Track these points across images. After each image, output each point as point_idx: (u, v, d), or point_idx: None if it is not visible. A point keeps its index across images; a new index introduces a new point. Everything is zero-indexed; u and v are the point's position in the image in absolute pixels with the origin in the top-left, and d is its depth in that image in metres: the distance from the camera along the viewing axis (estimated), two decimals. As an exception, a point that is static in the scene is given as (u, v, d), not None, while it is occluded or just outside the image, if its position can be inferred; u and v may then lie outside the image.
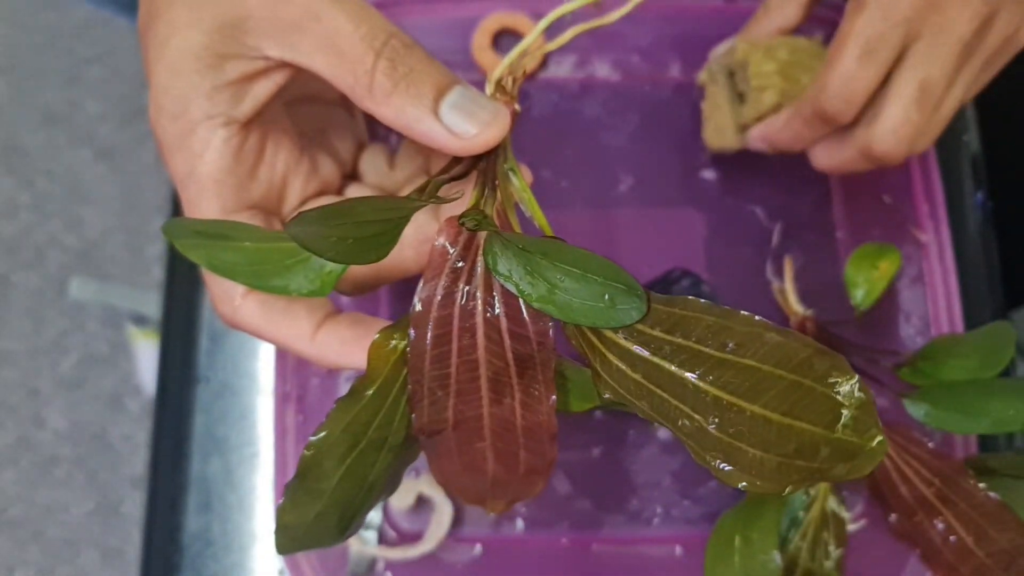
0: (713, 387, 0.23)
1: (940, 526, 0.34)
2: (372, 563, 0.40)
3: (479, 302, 0.25)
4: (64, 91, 1.23)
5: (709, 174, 0.46)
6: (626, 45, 0.48)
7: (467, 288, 0.25)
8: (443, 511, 0.40)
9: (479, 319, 0.25)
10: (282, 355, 0.42)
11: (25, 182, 1.19)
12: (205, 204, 0.29)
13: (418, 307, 0.25)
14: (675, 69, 0.47)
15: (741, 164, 0.46)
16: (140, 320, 1.06)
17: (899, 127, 0.35)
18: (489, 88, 0.29)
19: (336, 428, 0.26)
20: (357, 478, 0.26)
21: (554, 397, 0.25)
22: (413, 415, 0.26)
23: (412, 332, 0.25)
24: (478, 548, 0.41)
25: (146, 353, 1.08)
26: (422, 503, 0.41)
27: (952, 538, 0.34)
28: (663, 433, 0.42)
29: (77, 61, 1.24)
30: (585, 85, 0.47)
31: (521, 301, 0.25)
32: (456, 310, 0.25)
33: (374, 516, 0.41)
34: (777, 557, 0.35)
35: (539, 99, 0.47)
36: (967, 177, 0.47)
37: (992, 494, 0.33)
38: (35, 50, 1.24)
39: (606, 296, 0.24)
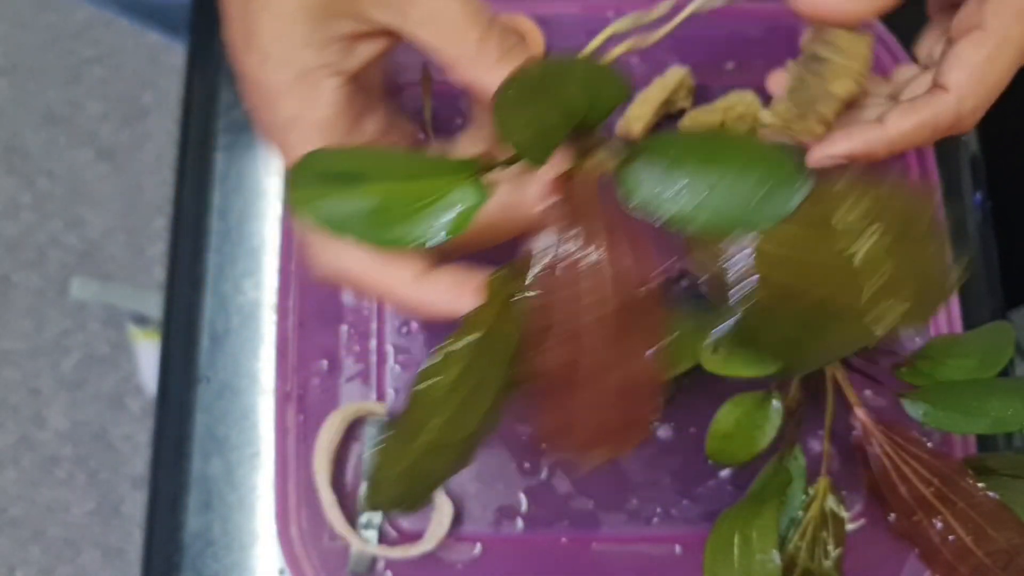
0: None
1: (939, 525, 0.34)
2: (372, 562, 0.40)
3: (592, 250, 0.25)
4: (65, 91, 1.23)
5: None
6: (626, 46, 0.48)
7: (578, 236, 0.25)
8: (443, 510, 0.40)
9: (591, 267, 0.25)
10: (283, 355, 0.43)
11: (26, 182, 1.19)
12: (309, 148, 0.29)
13: (533, 255, 0.25)
14: (675, 70, 0.47)
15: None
16: (141, 320, 1.06)
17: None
18: None
19: (443, 370, 0.26)
20: (457, 426, 0.26)
21: (662, 343, 0.25)
22: (520, 364, 0.26)
23: (527, 278, 0.25)
24: (478, 547, 0.41)
25: (147, 353, 1.08)
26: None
27: (951, 537, 0.34)
28: (663, 432, 0.42)
29: (78, 61, 1.24)
30: (585, 85, 0.47)
31: (635, 245, 0.25)
32: (568, 259, 0.25)
33: (375, 516, 0.41)
34: (776, 556, 0.35)
35: (539, 99, 0.47)
36: (966, 177, 0.47)
37: (991, 494, 0.33)
38: (36, 50, 1.25)
39: (763, 189, 0.23)
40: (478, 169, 0.26)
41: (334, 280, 0.30)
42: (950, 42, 0.35)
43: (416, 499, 0.28)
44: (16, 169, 1.20)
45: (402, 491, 0.27)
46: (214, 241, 0.46)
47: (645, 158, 0.25)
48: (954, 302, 0.43)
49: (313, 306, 0.43)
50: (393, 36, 0.30)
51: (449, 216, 0.26)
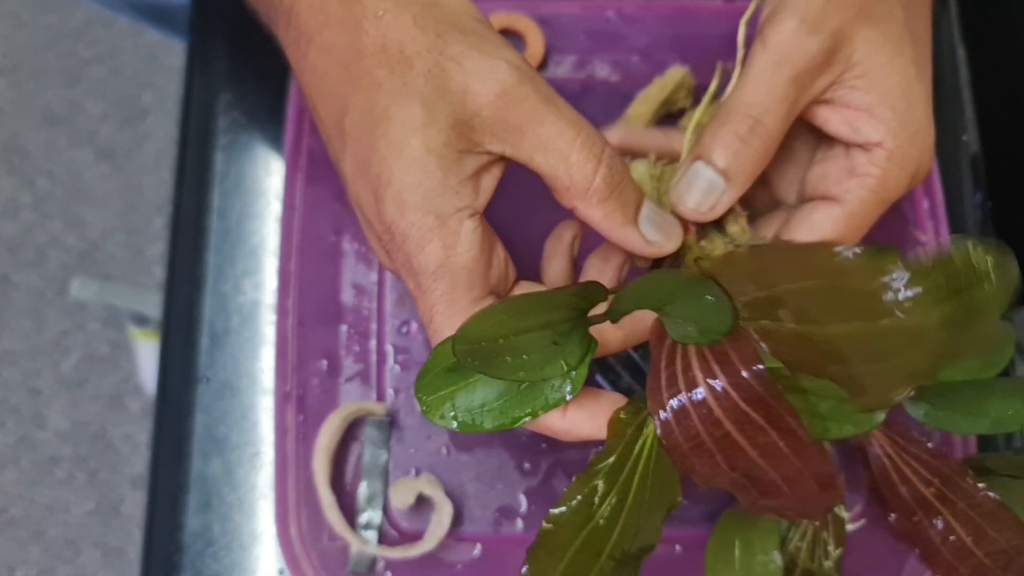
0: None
1: (939, 526, 0.34)
2: (372, 562, 0.40)
3: (697, 372, 0.27)
4: (65, 91, 1.23)
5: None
6: (626, 46, 0.48)
7: (684, 366, 0.28)
8: (443, 511, 0.40)
9: (704, 388, 0.27)
10: (283, 354, 0.43)
11: (26, 182, 1.19)
12: (459, 293, 0.30)
13: (653, 389, 0.28)
14: (675, 69, 0.47)
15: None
16: (141, 320, 1.06)
17: None
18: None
19: (571, 499, 0.28)
20: (592, 551, 0.28)
21: (803, 429, 0.26)
22: (690, 474, 0.28)
23: (659, 414, 0.27)
24: (478, 548, 0.41)
25: (147, 353, 1.08)
26: (422, 503, 0.41)
27: (951, 538, 0.34)
28: (663, 433, 0.42)
29: (78, 61, 1.24)
30: (585, 85, 0.47)
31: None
32: (682, 385, 0.27)
33: (375, 516, 0.41)
34: (777, 557, 0.35)
35: (539, 99, 0.47)
36: (966, 177, 0.47)
37: (991, 494, 0.33)
38: (36, 50, 1.25)
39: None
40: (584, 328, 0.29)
41: None
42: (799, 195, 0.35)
43: None
44: (16, 169, 1.20)
45: None
46: (214, 241, 0.46)
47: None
48: (954, 302, 0.43)
49: (313, 306, 0.43)
50: (506, 161, 0.31)
51: (568, 386, 0.29)
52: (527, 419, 0.29)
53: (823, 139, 0.34)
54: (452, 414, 0.29)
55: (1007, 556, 0.33)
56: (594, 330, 0.30)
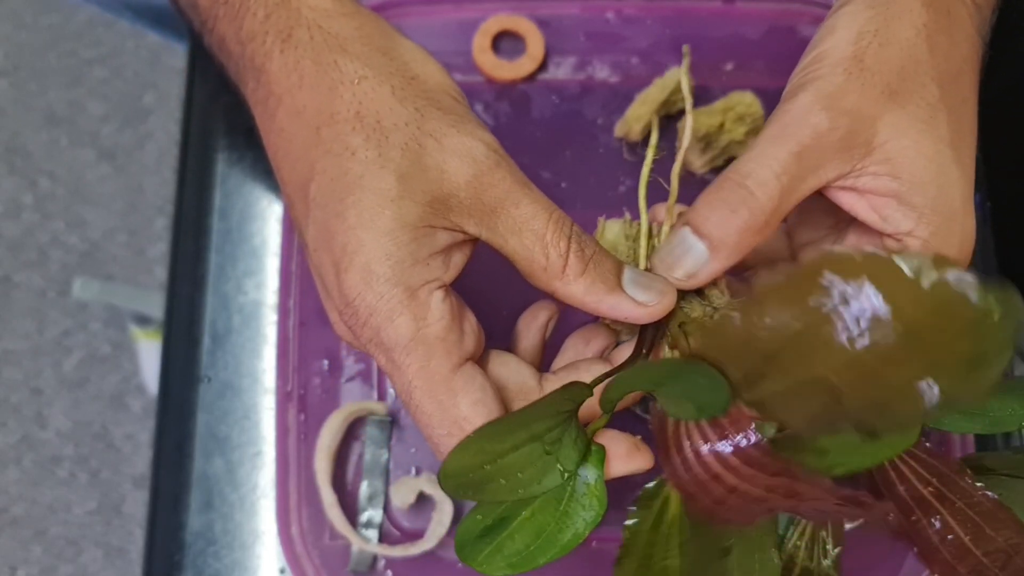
0: None
1: (937, 525, 0.34)
2: (373, 561, 0.40)
3: (699, 442, 0.28)
4: (66, 92, 1.23)
5: (709, 175, 0.46)
6: (625, 47, 0.48)
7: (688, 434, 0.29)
8: (444, 509, 0.40)
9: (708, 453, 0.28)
10: (284, 354, 0.43)
11: (28, 182, 1.20)
12: (436, 363, 0.29)
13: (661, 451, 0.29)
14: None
15: (740, 165, 0.46)
16: (142, 320, 1.06)
17: None
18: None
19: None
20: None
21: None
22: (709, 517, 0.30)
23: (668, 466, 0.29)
24: (478, 546, 0.41)
25: (148, 353, 1.08)
26: (423, 501, 0.41)
27: (949, 536, 0.34)
28: (662, 432, 0.42)
29: (79, 62, 1.24)
30: (585, 86, 0.47)
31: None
32: (687, 451, 0.28)
33: (375, 515, 0.41)
34: (775, 555, 0.35)
35: (539, 100, 0.47)
36: (965, 178, 0.47)
37: (989, 493, 0.33)
38: (38, 51, 1.25)
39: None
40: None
41: None
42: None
43: None
44: (18, 170, 1.20)
45: None
46: (215, 241, 0.46)
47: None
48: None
49: (314, 306, 0.43)
50: (477, 241, 0.31)
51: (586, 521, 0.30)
52: (575, 541, 0.30)
53: (855, 219, 0.33)
54: (505, 563, 0.30)
55: (1005, 555, 0.33)
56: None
